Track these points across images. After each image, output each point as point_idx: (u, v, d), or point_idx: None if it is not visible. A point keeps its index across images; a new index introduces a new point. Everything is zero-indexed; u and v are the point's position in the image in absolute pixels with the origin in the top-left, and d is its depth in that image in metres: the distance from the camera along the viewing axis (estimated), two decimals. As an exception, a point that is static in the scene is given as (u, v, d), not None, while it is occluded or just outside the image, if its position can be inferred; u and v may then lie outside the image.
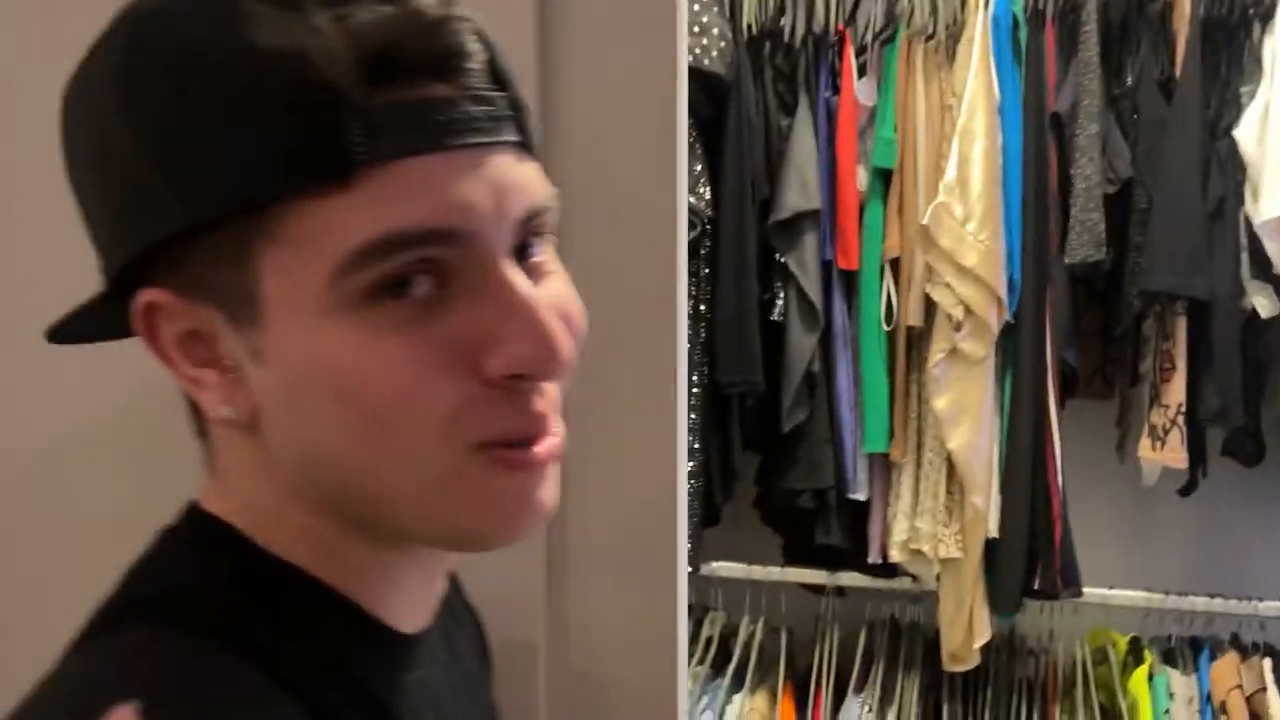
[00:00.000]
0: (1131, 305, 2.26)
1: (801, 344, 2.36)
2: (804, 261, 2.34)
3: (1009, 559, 2.28)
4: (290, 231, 0.47)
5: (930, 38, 2.30)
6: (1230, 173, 2.16)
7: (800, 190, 2.32)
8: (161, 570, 0.54)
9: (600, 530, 1.06)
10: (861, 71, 2.37)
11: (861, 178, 2.36)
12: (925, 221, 2.22)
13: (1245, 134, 2.12)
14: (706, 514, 2.51)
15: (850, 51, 2.34)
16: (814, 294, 2.34)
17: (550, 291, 0.54)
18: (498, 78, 0.52)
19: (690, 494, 2.44)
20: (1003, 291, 2.23)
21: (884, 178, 2.35)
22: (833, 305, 2.39)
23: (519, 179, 0.52)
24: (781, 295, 2.39)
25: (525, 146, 0.54)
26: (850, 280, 2.40)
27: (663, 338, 1.09)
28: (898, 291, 2.35)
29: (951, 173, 2.22)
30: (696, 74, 2.17)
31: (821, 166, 2.34)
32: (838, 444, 2.41)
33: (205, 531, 0.54)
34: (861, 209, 2.37)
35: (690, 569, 2.47)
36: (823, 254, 2.36)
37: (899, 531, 2.38)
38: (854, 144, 2.34)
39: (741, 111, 2.30)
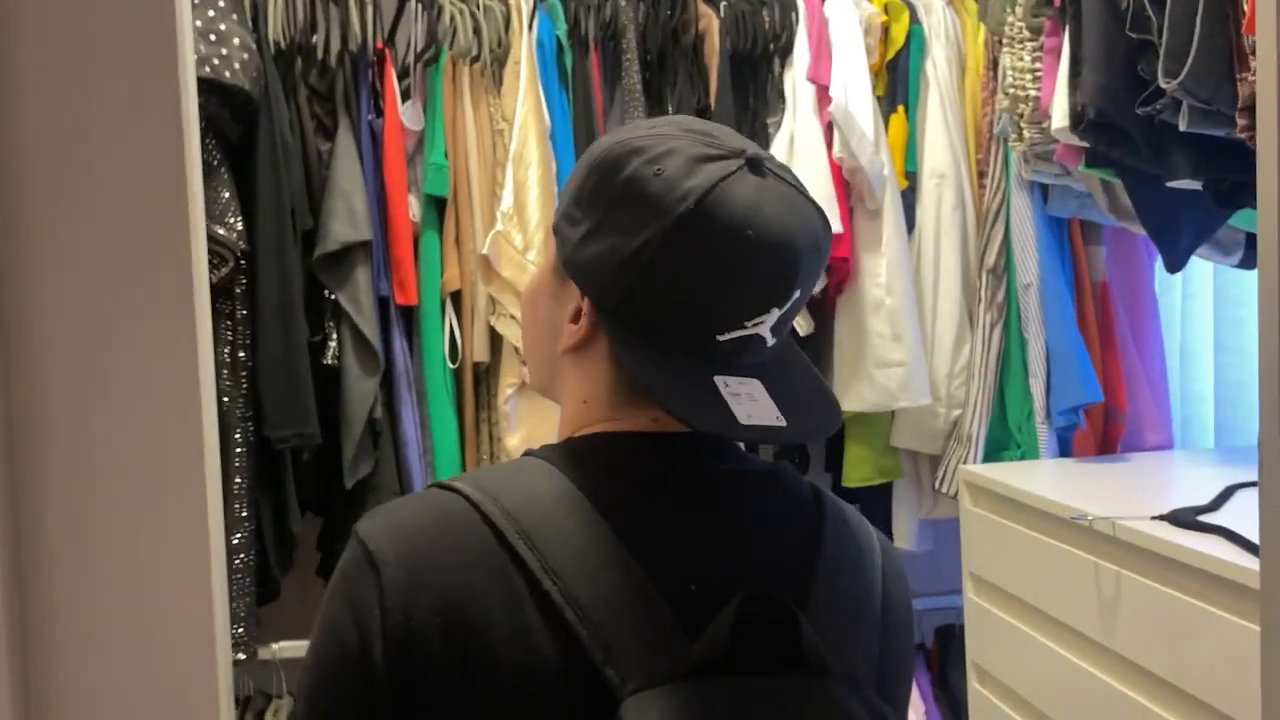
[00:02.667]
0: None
1: (361, 389, 2.15)
2: (357, 298, 2.13)
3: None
4: None
5: (475, 59, 2.20)
6: (765, 198, 2.26)
7: (348, 220, 2.11)
8: None
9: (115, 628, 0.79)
10: (406, 94, 2.22)
11: (414, 206, 2.21)
12: (484, 251, 2.10)
13: (775, 161, 2.23)
14: (263, 589, 2.21)
15: (392, 72, 2.18)
16: (370, 333, 2.13)
17: None
18: None
19: (241, 570, 2.12)
20: (567, 321, 2.17)
21: (438, 206, 2.21)
22: (392, 344, 2.20)
23: None
24: (334, 336, 2.16)
25: None
26: (410, 316, 2.23)
27: (181, 387, 0.84)
28: (461, 326, 2.21)
29: (508, 200, 2.12)
30: (215, 87, 1.89)
31: (370, 194, 2.15)
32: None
33: None
34: (417, 240, 2.21)
35: (245, 655, 2.16)
36: (377, 289, 2.16)
37: (479, 582, 2.23)
38: (403, 170, 2.18)
39: (274, 132, 2.05)
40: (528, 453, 0.80)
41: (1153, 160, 1.75)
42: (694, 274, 0.74)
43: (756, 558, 0.77)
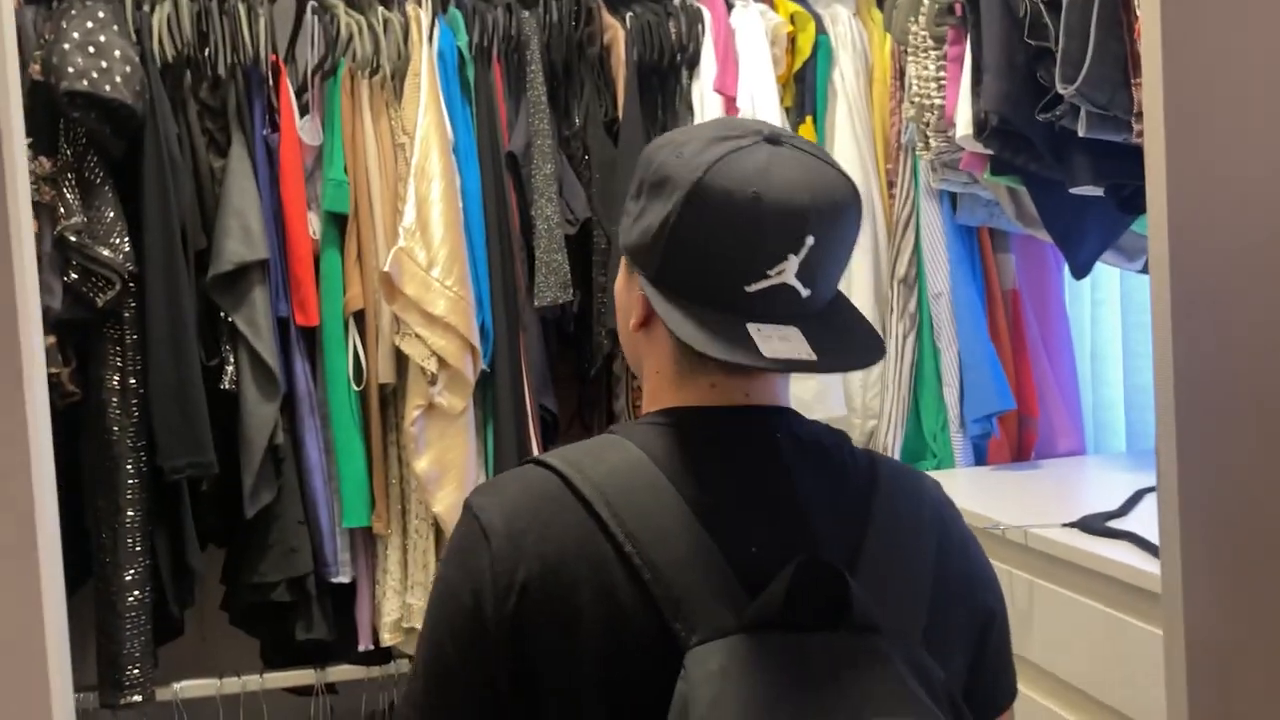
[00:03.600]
0: (602, 345, 2.25)
1: (261, 414, 2.06)
2: (254, 319, 2.05)
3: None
4: None
5: (375, 72, 2.14)
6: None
7: (242, 238, 2.03)
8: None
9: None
10: (304, 109, 2.15)
11: (314, 224, 2.13)
12: (387, 269, 2.04)
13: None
14: (162, 627, 2.11)
15: (288, 85, 2.11)
16: (269, 356, 2.05)
17: None
18: None
19: (135, 607, 2.03)
20: (476, 339, 2.11)
21: (339, 223, 2.14)
22: (293, 367, 2.12)
23: None
24: (232, 360, 2.07)
25: None
26: (311, 338, 2.15)
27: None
28: (365, 347, 2.14)
29: (410, 215, 2.06)
30: (95, 101, 1.81)
31: (267, 212, 2.08)
32: (313, 524, 2.14)
33: None
34: (317, 259, 2.13)
35: (140, 698, 2.06)
36: (276, 310, 2.09)
37: (390, 611, 2.16)
38: (301, 186, 2.11)
39: (162, 148, 1.97)
40: (611, 429, 0.91)
41: (1055, 166, 1.76)
42: (709, 231, 0.84)
43: (813, 522, 0.85)
